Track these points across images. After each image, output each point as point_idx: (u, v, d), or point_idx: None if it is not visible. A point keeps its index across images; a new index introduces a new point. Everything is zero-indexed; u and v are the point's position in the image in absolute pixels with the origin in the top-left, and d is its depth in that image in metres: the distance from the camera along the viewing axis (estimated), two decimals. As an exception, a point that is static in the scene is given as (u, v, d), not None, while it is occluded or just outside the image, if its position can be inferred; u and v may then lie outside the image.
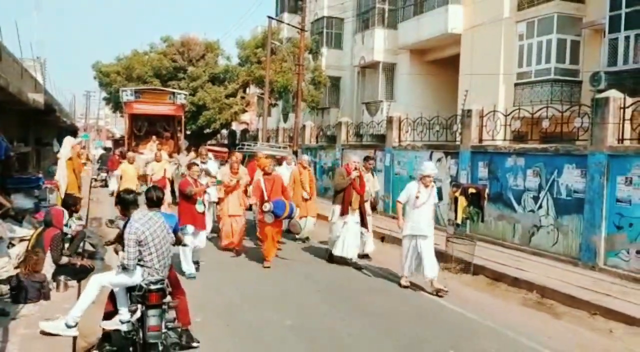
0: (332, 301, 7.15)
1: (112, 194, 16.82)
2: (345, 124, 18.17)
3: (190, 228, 8.04)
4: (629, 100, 8.68)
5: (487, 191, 9.55)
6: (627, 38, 14.62)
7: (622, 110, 8.56)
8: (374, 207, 10.09)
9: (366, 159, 10.00)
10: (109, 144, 39.65)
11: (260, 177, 9.06)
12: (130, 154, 14.11)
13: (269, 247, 8.83)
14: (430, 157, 12.91)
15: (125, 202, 4.87)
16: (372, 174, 10.15)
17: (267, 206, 8.44)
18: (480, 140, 11.58)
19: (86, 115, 66.13)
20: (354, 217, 8.97)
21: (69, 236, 7.50)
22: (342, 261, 9.16)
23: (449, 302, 7.17)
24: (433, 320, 6.51)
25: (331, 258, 9.31)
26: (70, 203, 8.04)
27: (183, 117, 20.72)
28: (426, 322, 6.41)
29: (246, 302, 6.92)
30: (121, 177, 12.58)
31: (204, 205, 8.39)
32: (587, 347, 5.80)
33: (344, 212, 8.87)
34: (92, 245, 8.85)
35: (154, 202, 5.08)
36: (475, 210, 10.33)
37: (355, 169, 8.88)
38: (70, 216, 7.89)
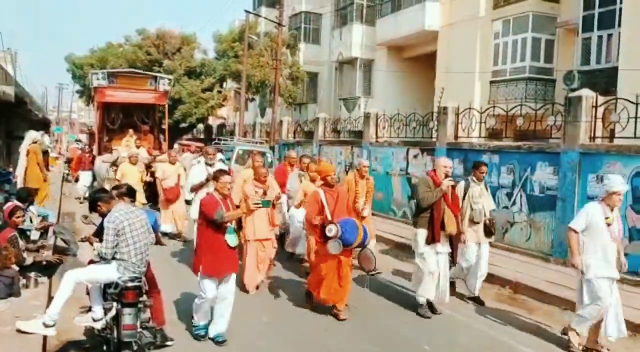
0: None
1: (82, 200, 14.84)
2: (322, 119, 18.18)
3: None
4: (601, 99, 8.86)
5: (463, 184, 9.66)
6: (600, 38, 14.92)
7: (594, 109, 8.72)
8: (490, 232, 7.13)
9: (477, 165, 7.25)
10: (83, 137, 38.93)
11: (318, 188, 6.59)
12: (132, 151, 11.97)
13: (335, 290, 6.19)
14: (407, 154, 13.01)
15: (101, 200, 4.81)
16: (486, 187, 7.37)
17: (333, 229, 5.96)
18: (456, 137, 11.69)
19: (58, 109, 64.90)
20: (446, 246, 6.53)
21: (33, 230, 7.31)
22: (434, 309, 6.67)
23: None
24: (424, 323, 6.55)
25: (431, 307, 6.61)
26: (24, 196, 7.73)
27: (166, 106, 17.94)
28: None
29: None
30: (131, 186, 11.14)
31: (237, 234, 5.59)
32: (560, 341, 5.92)
33: (433, 239, 6.34)
34: (64, 241, 8.68)
35: (127, 195, 5.01)
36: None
37: (447, 176, 6.39)
38: (27, 208, 7.62)
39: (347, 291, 6.27)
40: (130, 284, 4.48)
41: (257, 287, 7.19)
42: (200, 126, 33.54)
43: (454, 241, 6.66)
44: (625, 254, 7.80)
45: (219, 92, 28.01)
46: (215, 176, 5.47)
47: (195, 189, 8.05)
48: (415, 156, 12.75)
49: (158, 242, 5.82)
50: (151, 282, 4.98)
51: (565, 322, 6.11)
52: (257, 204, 5.76)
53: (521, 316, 6.82)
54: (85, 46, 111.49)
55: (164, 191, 10.32)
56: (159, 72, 27.12)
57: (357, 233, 6.03)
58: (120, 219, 4.58)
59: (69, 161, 22.11)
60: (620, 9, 13.78)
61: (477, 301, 7.21)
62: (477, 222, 6.97)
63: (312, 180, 8.00)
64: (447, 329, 6.19)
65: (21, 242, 6.46)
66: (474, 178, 7.10)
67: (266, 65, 25.05)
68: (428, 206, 6.35)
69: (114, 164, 12.47)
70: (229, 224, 5.27)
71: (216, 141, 18.82)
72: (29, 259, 6.41)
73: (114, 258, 4.57)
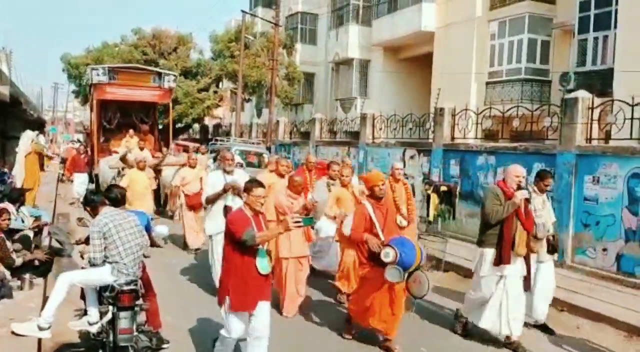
0: None
1: (74, 204, 14.27)
2: (319, 120, 18.17)
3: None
4: (597, 101, 8.87)
5: (458, 188, 9.68)
6: (595, 39, 14.96)
7: (590, 110, 8.73)
8: (554, 249, 6.31)
9: (542, 176, 6.21)
10: (80, 137, 38.73)
11: (365, 202, 5.60)
12: (136, 153, 10.93)
13: (387, 318, 5.34)
14: (404, 155, 13.01)
15: (90, 205, 4.77)
16: (548, 198, 6.48)
17: (390, 254, 5.01)
18: (453, 138, 11.70)
19: (54, 108, 64.66)
20: (517, 269, 5.53)
21: (26, 230, 7.27)
22: (490, 338, 5.77)
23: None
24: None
25: (465, 328, 5.96)
26: (15, 197, 7.71)
27: (171, 105, 16.79)
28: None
29: None
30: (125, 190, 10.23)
31: (270, 258, 4.63)
32: (556, 342, 5.92)
33: (502, 261, 5.40)
34: (58, 242, 8.64)
35: (117, 201, 4.89)
36: (447, 207, 10.48)
37: (519, 187, 5.44)
38: (18, 208, 7.58)
39: (399, 319, 5.40)
40: (126, 288, 4.44)
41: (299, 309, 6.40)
42: (196, 126, 33.49)
43: (528, 262, 5.63)
44: (620, 255, 7.89)
45: (215, 92, 27.98)
46: (247, 188, 4.53)
47: (211, 200, 6.74)
48: (412, 157, 12.75)
49: (153, 244, 5.76)
50: (147, 285, 4.95)
51: (563, 322, 6.09)
52: (298, 222, 4.41)
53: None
54: (81, 46, 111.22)
55: (187, 198, 9.53)
56: (157, 71, 27.17)
57: (416, 254, 5.15)
58: (105, 221, 4.51)
59: (63, 161, 21.76)
60: (616, 11, 13.82)
61: (545, 329, 6.23)
62: (540, 239, 5.91)
63: (344, 185, 7.23)
64: (442, 330, 6.14)
65: (9, 244, 6.39)
66: (535, 189, 6.10)
67: (262, 66, 25.04)
68: (497, 222, 5.42)
69: (124, 160, 11.42)
70: (260, 246, 4.42)
71: (212, 142, 18.80)
72: (18, 261, 6.36)
73: (106, 261, 4.53)
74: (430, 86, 19.68)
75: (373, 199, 5.52)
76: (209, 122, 35.01)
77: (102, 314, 4.54)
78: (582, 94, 8.94)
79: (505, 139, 11.32)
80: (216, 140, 19.64)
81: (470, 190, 10.89)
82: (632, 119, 7.97)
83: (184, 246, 9.70)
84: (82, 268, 4.99)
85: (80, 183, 15.12)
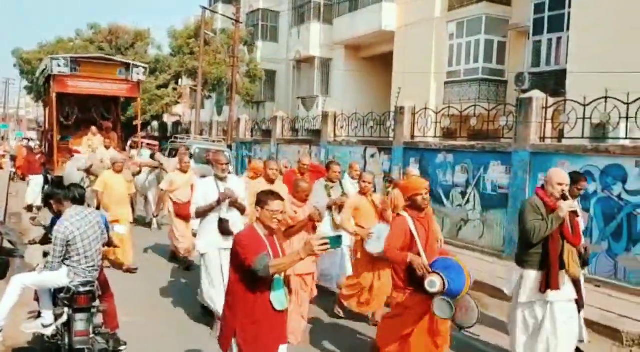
0: None
1: (28, 209, 13.04)
2: (280, 118, 18.11)
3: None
4: (551, 101, 9.16)
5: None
6: (549, 41, 15.43)
7: (544, 110, 9.00)
8: (585, 262, 5.30)
9: (576, 179, 5.24)
10: (33, 135, 37.45)
11: (405, 214, 4.58)
12: (115, 156, 9.45)
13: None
14: (365, 153, 13.11)
15: (54, 198, 4.60)
16: (579, 202, 5.67)
17: (437, 283, 4.12)
18: (412, 136, 11.86)
19: (5, 105, 62.37)
20: (566, 292, 4.60)
21: None
22: None
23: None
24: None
25: None
26: None
27: (140, 100, 15.64)
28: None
29: None
30: (98, 199, 8.15)
31: (288, 289, 3.80)
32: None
33: (550, 286, 4.48)
34: (10, 242, 8.36)
35: (77, 201, 4.66)
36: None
37: (564, 197, 4.55)
38: None
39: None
40: (82, 289, 4.33)
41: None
42: (155, 124, 32.90)
43: (578, 283, 4.80)
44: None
45: (174, 89, 27.56)
46: (261, 201, 3.54)
47: (202, 213, 5.70)
48: (372, 155, 12.87)
49: (110, 244, 5.53)
50: (104, 286, 4.83)
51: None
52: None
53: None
54: (34, 40, 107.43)
55: (176, 207, 8.28)
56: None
57: (465, 279, 4.24)
58: (71, 229, 4.35)
59: (13, 159, 20.79)
60: (569, 14, 14.28)
61: None
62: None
63: (364, 192, 6.26)
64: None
65: None
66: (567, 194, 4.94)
67: (223, 63, 24.79)
68: (540, 240, 4.52)
69: (88, 171, 10.36)
70: (276, 276, 3.46)
71: (172, 139, 18.50)
72: None
73: (63, 264, 4.40)
74: (391, 85, 19.90)
75: (414, 210, 4.54)
76: (168, 119, 34.43)
77: (57, 316, 4.42)
78: (537, 94, 9.20)
79: (463, 137, 11.55)
80: (175, 138, 19.32)
81: (430, 187, 11.03)
82: (583, 118, 8.25)
83: (171, 257, 8.76)
84: (34, 269, 4.81)
85: (35, 186, 13.50)
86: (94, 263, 4.52)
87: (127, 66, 14.22)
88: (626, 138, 8.14)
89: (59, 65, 13.23)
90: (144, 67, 14.78)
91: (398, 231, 4.52)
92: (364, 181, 6.30)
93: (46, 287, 4.56)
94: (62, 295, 4.39)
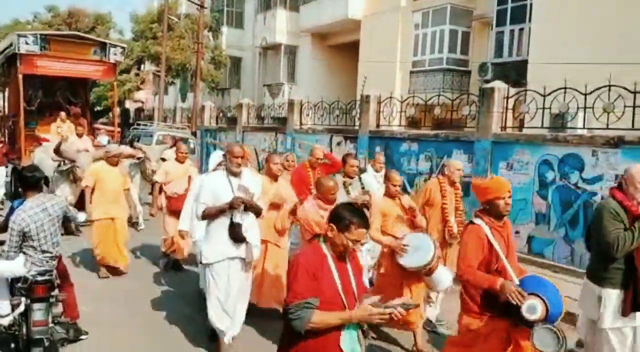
0: None
1: None
2: (246, 105, 17.93)
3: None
4: (512, 91, 9.32)
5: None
6: (512, 32, 15.71)
7: (505, 100, 9.16)
8: None
9: None
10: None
11: (480, 222, 3.71)
12: (111, 147, 8.18)
13: None
14: (331, 141, 13.13)
15: (27, 183, 4.40)
16: None
17: (538, 308, 3.34)
18: (378, 125, 11.93)
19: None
20: None
21: None
22: None
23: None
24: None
25: None
26: None
27: (115, 83, 14.63)
28: None
29: None
30: (92, 191, 7.15)
31: (363, 332, 2.84)
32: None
33: (635, 306, 3.81)
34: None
35: (33, 185, 4.41)
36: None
37: None
38: None
39: None
40: (40, 278, 4.22)
41: None
42: (117, 110, 32.18)
43: None
44: (531, 237, 8.39)
45: (137, 74, 27.00)
46: (342, 219, 2.72)
47: (211, 215, 4.65)
48: (338, 144, 12.89)
49: (69, 232, 5.30)
50: (63, 275, 4.73)
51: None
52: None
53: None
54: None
55: (169, 201, 7.33)
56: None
57: (562, 300, 3.47)
58: (27, 221, 4.22)
59: None
60: (531, 5, 14.55)
61: None
62: None
63: (392, 196, 5.23)
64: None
65: None
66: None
67: (187, 48, 24.36)
68: (625, 253, 3.79)
69: (59, 153, 8.94)
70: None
71: (134, 126, 18.13)
72: None
73: (20, 252, 4.28)
74: (357, 74, 19.94)
75: (491, 217, 3.70)
76: (130, 105, 33.71)
77: (14, 307, 4.29)
78: (498, 84, 9.36)
79: (428, 126, 11.67)
80: (138, 124, 18.95)
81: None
82: (543, 108, 8.43)
83: (162, 255, 7.68)
84: None
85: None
86: (51, 254, 4.41)
87: (102, 46, 12.97)
88: (584, 128, 8.38)
89: (26, 43, 11.86)
90: (122, 47, 13.52)
91: (474, 244, 3.62)
92: (393, 184, 5.20)
93: (2, 276, 4.43)
94: (19, 285, 4.27)
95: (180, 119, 24.67)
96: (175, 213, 6.96)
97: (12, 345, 4.40)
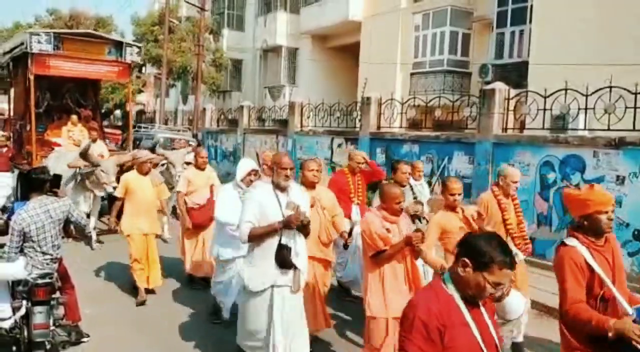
0: None
1: None
2: (247, 108, 17.97)
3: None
4: (513, 92, 9.33)
5: (384, 176, 9.87)
6: (512, 33, 15.70)
7: (506, 101, 9.17)
8: None
9: None
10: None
11: (575, 242, 3.12)
12: (141, 153, 7.26)
13: None
14: (331, 143, 13.14)
15: (32, 184, 4.41)
16: None
17: None
18: (379, 127, 11.94)
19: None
20: None
21: None
22: None
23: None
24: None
25: None
26: None
27: (131, 84, 13.55)
28: None
29: None
30: (122, 203, 6.52)
31: None
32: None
33: None
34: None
35: (38, 187, 4.46)
36: (374, 194, 10.68)
37: None
38: None
39: None
40: (40, 281, 4.23)
41: None
42: (118, 112, 32.22)
43: None
44: (533, 239, 8.38)
45: (138, 77, 27.01)
46: (483, 254, 2.20)
47: (259, 236, 4.02)
48: (339, 145, 12.91)
49: (69, 235, 5.25)
50: (64, 277, 4.73)
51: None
52: None
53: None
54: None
55: (190, 213, 6.62)
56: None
57: None
58: (28, 221, 4.25)
59: None
60: (532, 7, 14.54)
61: None
62: None
63: (452, 207, 4.64)
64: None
65: None
66: None
67: (188, 51, 24.39)
68: None
69: (85, 156, 8.28)
70: None
71: (136, 129, 18.14)
72: None
73: (20, 254, 4.28)
74: (358, 75, 19.94)
75: (589, 235, 3.13)
76: (131, 108, 33.77)
77: (15, 309, 4.30)
78: (499, 86, 9.37)
79: (428, 128, 11.68)
80: (139, 127, 18.96)
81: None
82: (544, 109, 8.44)
83: (189, 279, 6.99)
84: None
85: (2, 187, 10.87)
86: (51, 256, 4.41)
87: (118, 45, 12.05)
88: (585, 129, 8.38)
89: (39, 42, 11.00)
90: (138, 47, 12.50)
91: (571, 271, 3.01)
92: (452, 194, 4.59)
93: (3, 279, 4.43)
94: (20, 288, 4.28)
95: (181, 121, 24.70)
96: (197, 226, 6.57)
97: (14, 348, 4.40)
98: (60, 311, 4.54)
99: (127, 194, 6.40)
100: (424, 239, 3.99)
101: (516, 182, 5.15)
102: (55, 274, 4.45)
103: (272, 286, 3.99)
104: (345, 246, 5.53)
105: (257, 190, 4.17)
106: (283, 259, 3.94)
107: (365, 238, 4.02)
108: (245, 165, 5.28)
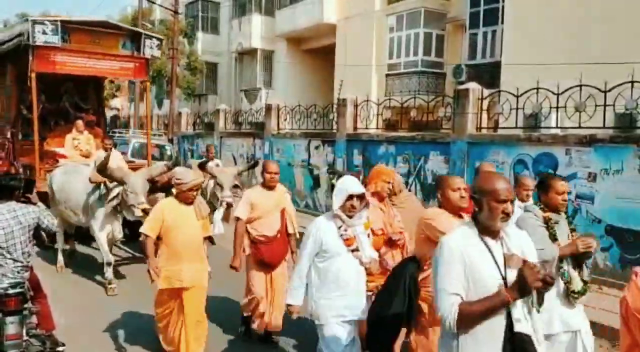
0: None
1: None
2: (223, 111, 17.86)
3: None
4: (486, 92, 9.45)
5: (361, 177, 9.89)
6: (485, 34, 15.92)
7: (480, 101, 9.28)
8: None
9: None
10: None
11: None
12: (184, 174, 4.64)
13: None
14: (308, 145, 13.13)
15: (4, 190, 4.30)
16: None
17: None
18: (355, 128, 11.97)
19: None
20: None
21: None
22: None
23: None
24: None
25: None
26: None
27: (149, 83, 11.49)
28: None
29: None
30: (159, 236, 4.48)
31: None
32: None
33: None
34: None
35: (2, 190, 4.34)
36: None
37: None
38: None
39: None
40: (11, 291, 4.13)
41: None
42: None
43: None
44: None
45: (112, 81, 26.63)
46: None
47: (474, 316, 2.34)
48: (316, 147, 12.91)
49: (41, 242, 5.02)
50: (35, 286, 4.62)
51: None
52: None
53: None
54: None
55: (255, 247, 5.08)
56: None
57: None
58: None
59: None
60: (503, 7, 14.77)
61: None
62: None
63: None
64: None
65: None
66: None
67: (162, 55, 24.16)
68: None
69: (104, 172, 6.51)
70: None
71: (110, 134, 17.89)
72: None
73: None
74: (334, 77, 20.00)
75: None
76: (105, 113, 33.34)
77: (-15, 321, 4.20)
78: (473, 86, 9.48)
79: (404, 129, 11.75)
80: (114, 132, 18.71)
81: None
82: (517, 109, 8.56)
83: (243, 329, 5.46)
84: None
85: None
86: (23, 262, 4.32)
87: (135, 37, 10.15)
88: (557, 127, 8.52)
89: (44, 33, 8.98)
90: (158, 39, 10.54)
91: None
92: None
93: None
94: (-10, 298, 4.18)
95: (156, 125, 24.46)
96: (264, 265, 5.08)
97: (-14, 360, 4.31)
98: (33, 320, 4.45)
99: (163, 232, 4.45)
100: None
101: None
102: (27, 284, 4.35)
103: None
104: None
105: (458, 239, 2.44)
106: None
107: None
108: (343, 189, 3.74)
